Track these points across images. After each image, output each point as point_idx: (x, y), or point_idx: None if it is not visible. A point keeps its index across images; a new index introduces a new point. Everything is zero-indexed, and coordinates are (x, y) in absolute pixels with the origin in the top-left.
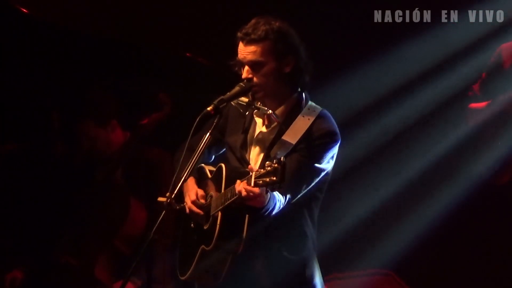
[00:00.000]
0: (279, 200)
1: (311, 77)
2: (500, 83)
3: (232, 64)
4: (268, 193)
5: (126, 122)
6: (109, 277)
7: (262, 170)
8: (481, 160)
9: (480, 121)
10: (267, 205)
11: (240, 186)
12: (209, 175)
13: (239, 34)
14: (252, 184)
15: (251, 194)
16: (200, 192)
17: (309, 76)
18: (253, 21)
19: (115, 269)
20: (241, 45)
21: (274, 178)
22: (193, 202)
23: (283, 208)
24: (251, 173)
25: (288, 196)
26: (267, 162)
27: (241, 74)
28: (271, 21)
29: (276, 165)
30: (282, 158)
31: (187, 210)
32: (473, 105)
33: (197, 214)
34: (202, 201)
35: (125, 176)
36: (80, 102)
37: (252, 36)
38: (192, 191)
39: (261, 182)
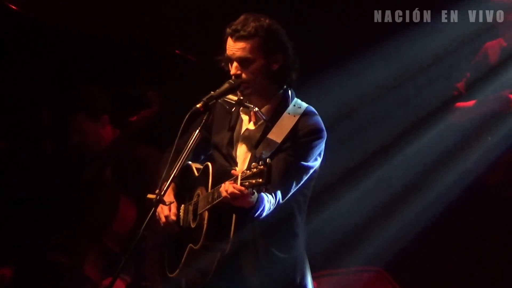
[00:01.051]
0: (268, 201)
1: (298, 74)
2: (486, 81)
3: (220, 60)
4: (256, 194)
5: (115, 119)
6: (98, 274)
7: (248, 171)
8: (470, 158)
9: (467, 120)
10: (255, 205)
11: (226, 186)
12: (196, 173)
13: (228, 30)
14: (238, 185)
15: (238, 193)
16: (174, 205)
17: (296, 74)
18: (242, 17)
19: (104, 266)
20: (230, 41)
21: (260, 180)
22: (166, 218)
23: (273, 208)
24: (237, 175)
25: (278, 196)
26: (253, 164)
27: (229, 70)
28: (261, 18)
29: (262, 167)
30: (268, 160)
31: (161, 223)
32: (460, 104)
33: (171, 228)
34: (174, 218)
35: (114, 173)
36: (74, 95)
37: (242, 33)
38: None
39: (247, 183)
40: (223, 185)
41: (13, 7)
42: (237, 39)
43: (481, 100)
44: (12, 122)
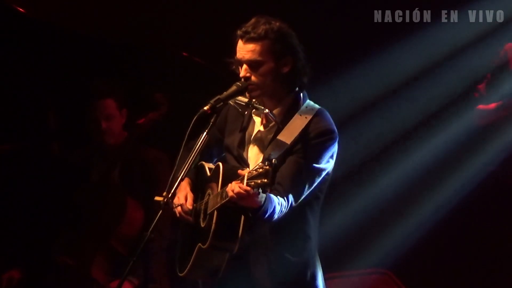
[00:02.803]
0: (279, 204)
1: (309, 78)
2: (506, 83)
3: (230, 62)
4: (262, 194)
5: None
6: (105, 276)
7: (254, 171)
8: (489, 159)
9: (489, 122)
10: (264, 205)
11: (233, 186)
12: (209, 173)
13: (238, 32)
14: (244, 185)
15: (244, 193)
16: (190, 196)
17: (307, 78)
18: (253, 20)
19: (112, 268)
20: (240, 43)
21: (265, 180)
22: (182, 206)
23: (286, 211)
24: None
25: (290, 199)
26: (259, 164)
27: (239, 73)
28: (271, 21)
29: (267, 167)
30: (274, 160)
31: (177, 214)
32: (482, 106)
33: (186, 218)
34: (190, 207)
35: (121, 175)
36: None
37: (252, 35)
38: (182, 194)
39: (252, 183)
40: (229, 185)
41: (21, 9)
42: (247, 41)
43: (504, 103)
44: (19, 124)
